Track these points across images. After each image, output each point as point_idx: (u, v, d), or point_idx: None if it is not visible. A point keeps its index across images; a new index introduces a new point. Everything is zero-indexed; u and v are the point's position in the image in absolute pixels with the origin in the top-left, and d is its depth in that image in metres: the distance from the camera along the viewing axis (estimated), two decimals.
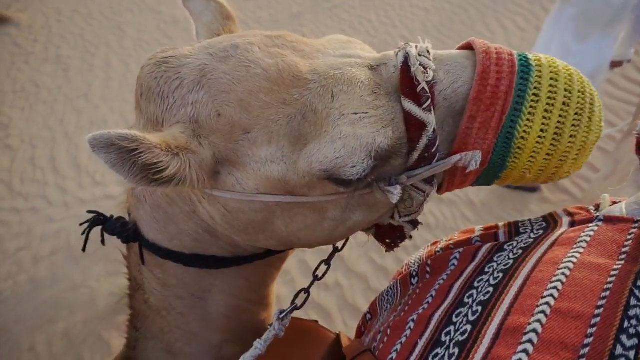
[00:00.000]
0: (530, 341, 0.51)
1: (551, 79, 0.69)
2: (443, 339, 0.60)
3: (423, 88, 0.67)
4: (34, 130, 4.76)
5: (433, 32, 4.93)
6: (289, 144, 0.67)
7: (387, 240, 0.84)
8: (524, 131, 0.68)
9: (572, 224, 0.69)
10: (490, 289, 0.62)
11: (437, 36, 4.87)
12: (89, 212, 0.88)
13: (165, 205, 0.80)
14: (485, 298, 0.61)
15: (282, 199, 0.70)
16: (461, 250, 0.76)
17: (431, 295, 0.70)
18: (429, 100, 0.67)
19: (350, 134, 0.65)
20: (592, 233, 0.63)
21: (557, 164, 0.71)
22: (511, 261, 0.65)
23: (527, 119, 0.68)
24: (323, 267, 0.89)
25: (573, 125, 0.68)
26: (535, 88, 0.68)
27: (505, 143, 0.69)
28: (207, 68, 0.68)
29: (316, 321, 0.89)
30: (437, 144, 0.68)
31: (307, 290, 0.83)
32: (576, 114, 0.68)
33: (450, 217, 3.50)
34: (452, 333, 0.60)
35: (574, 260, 0.59)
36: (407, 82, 0.68)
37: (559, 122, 0.68)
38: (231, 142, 0.68)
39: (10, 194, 4.05)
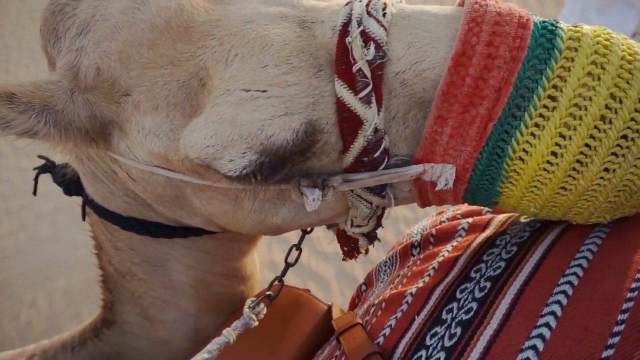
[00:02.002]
0: (547, 325, 0.45)
1: (589, 73, 0.44)
2: (444, 316, 0.54)
3: (360, 69, 0.48)
4: None
5: None
6: (182, 115, 0.53)
7: (345, 248, 0.69)
8: (524, 150, 0.47)
9: None
10: (502, 264, 0.55)
11: None
12: (39, 157, 0.79)
13: (86, 161, 0.70)
14: (496, 273, 0.54)
15: (178, 176, 0.58)
16: (470, 220, 0.69)
17: (433, 268, 0.63)
18: (369, 88, 0.48)
19: (228, 117, 0.48)
20: None
21: (582, 204, 0.48)
22: (527, 233, 0.57)
23: (531, 133, 0.46)
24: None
25: (614, 154, 0.44)
26: (553, 87, 0.44)
27: (494, 161, 0.48)
28: (100, 6, 0.55)
29: (308, 290, 0.83)
30: (382, 148, 0.50)
31: (280, 279, 0.75)
32: (624, 136, 0.44)
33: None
34: (455, 310, 0.53)
35: (602, 235, 0.51)
36: (342, 56, 0.49)
37: (587, 144, 0.45)
38: (112, 102, 0.56)
39: (14, 152, 4.04)
